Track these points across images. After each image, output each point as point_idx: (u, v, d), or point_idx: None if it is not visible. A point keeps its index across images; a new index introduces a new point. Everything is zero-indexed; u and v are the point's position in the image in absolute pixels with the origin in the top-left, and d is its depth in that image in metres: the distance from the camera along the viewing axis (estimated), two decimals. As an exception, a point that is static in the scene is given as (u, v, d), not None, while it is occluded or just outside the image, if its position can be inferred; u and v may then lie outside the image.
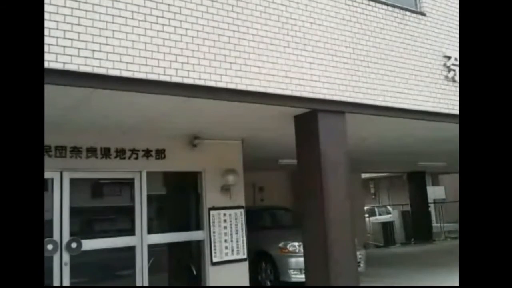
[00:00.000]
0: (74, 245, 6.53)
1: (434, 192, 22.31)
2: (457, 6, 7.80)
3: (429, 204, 20.14)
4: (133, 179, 7.34)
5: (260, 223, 10.93)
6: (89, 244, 6.69)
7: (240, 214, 8.28)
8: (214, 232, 7.92)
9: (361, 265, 9.17)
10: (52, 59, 4.18)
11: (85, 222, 7.28)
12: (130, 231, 7.22)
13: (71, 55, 4.27)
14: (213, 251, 7.84)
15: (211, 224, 7.91)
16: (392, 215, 20.36)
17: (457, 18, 7.72)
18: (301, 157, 6.40)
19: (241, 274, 8.06)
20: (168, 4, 4.94)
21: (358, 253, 8.08)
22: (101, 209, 7.67)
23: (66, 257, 6.48)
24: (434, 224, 20.51)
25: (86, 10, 4.42)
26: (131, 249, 7.16)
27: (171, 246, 7.88)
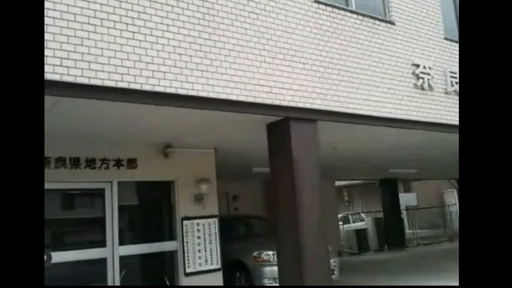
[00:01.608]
0: (44, 257, 6.37)
1: (406, 199, 22.66)
2: (425, 15, 7.96)
3: (402, 211, 20.37)
4: (103, 190, 7.22)
5: (234, 232, 10.86)
6: (59, 257, 6.53)
7: (213, 223, 8.22)
8: (187, 242, 7.84)
9: (335, 273, 9.19)
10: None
11: (55, 234, 7.12)
12: (101, 243, 7.09)
13: (38, 63, 4.18)
14: (186, 262, 7.76)
15: (184, 234, 7.83)
16: (365, 222, 20.52)
17: (425, 27, 7.88)
18: (274, 165, 6.39)
19: (215, 284, 7.99)
20: (138, 12, 4.89)
21: (332, 260, 8.10)
22: (72, 220, 7.52)
23: (35, 271, 6.31)
24: (407, 230, 20.75)
25: (54, 18, 4.35)
26: (102, 261, 7.03)
27: (143, 257, 7.76)
